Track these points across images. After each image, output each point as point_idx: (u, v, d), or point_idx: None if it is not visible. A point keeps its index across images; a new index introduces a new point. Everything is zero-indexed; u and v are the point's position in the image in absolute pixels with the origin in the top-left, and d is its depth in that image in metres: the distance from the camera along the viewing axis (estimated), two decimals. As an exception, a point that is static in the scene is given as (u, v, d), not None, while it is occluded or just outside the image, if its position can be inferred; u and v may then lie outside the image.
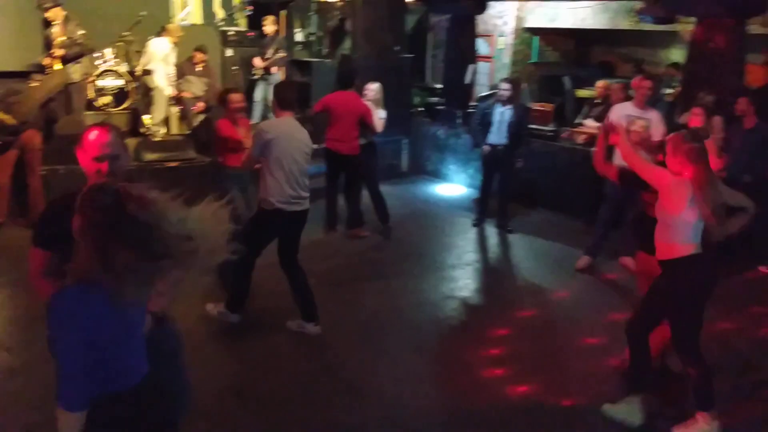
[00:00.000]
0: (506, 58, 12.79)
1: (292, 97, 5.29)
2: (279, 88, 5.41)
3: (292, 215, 5.09)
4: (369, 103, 7.40)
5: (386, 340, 5.19)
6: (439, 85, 11.66)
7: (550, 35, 12.95)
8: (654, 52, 12.15)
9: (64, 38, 8.37)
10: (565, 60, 13.35)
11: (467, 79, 10.14)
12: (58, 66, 8.30)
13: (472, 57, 10.35)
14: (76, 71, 8.29)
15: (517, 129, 7.60)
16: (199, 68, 9.40)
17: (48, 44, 8.31)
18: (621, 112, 6.43)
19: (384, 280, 6.40)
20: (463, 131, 9.72)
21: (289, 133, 5.05)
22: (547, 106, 9.91)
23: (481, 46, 12.59)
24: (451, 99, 10.40)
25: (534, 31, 12.80)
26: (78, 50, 8.47)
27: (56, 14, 8.35)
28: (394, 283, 6.33)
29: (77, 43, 8.50)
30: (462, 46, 10.13)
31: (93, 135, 2.88)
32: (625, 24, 11.20)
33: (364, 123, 7.24)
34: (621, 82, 8.63)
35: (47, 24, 8.33)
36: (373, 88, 7.57)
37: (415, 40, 12.59)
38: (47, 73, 8.24)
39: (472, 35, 10.40)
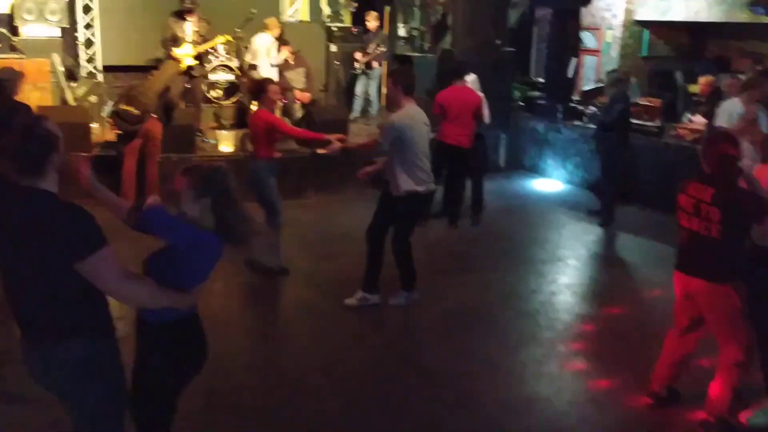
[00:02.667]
0: (614, 52, 12.39)
1: (413, 82, 5.48)
2: (401, 74, 5.58)
3: (426, 195, 5.46)
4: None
5: (468, 331, 5.26)
6: (541, 80, 11.51)
7: (661, 28, 12.43)
8: (775, 46, 11.44)
9: (201, 32, 8.97)
10: (677, 54, 12.78)
11: (569, 73, 9.96)
12: (188, 59, 8.86)
13: (575, 50, 10.15)
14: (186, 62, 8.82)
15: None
16: (290, 60, 9.71)
17: (175, 38, 8.85)
18: (732, 110, 6.18)
19: (472, 273, 6.45)
20: (564, 126, 9.58)
21: (418, 120, 5.33)
22: (654, 102, 9.58)
23: (589, 40, 12.30)
24: (552, 93, 10.24)
25: (644, 24, 12.33)
26: (207, 45, 9.06)
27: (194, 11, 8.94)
28: (483, 276, 6.37)
29: (206, 38, 9.08)
30: (564, 39, 9.96)
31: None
32: (741, 17, 10.61)
33: (477, 115, 7.34)
34: (734, 77, 8.24)
35: (181, 18, 8.88)
36: (469, 80, 7.61)
37: (520, 34, 12.47)
38: (161, 66, 8.82)
39: (576, 28, 10.20)
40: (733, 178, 3.78)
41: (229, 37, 9.47)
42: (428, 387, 4.44)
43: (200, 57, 9.09)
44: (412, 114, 5.30)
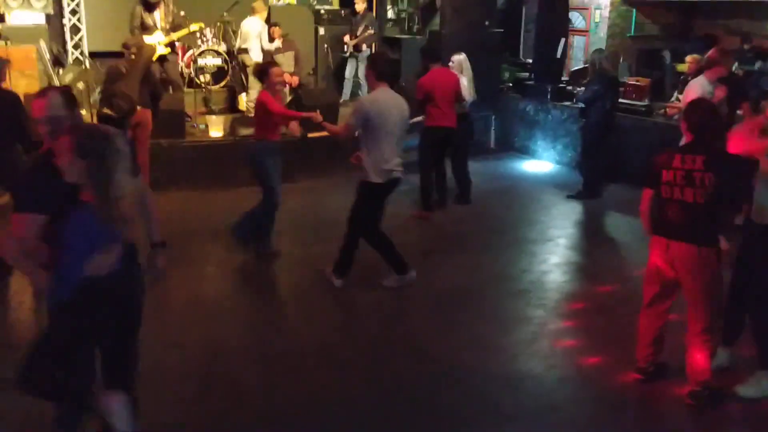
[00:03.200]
0: (602, 32, 12.44)
1: (387, 68, 5.56)
2: (375, 60, 5.64)
3: (392, 183, 5.45)
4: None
5: (460, 311, 5.32)
6: (530, 60, 11.52)
7: (649, 7, 12.45)
8: (762, 25, 11.47)
9: (170, 20, 8.90)
10: (665, 33, 12.80)
11: (558, 54, 9.98)
12: (159, 47, 8.81)
13: (564, 31, 10.16)
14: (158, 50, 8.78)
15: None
16: (278, 44, 9.70)
17: (145, 26, 8.80)
18: (702, 86, 6.34)
19: (463, 254, 6.51)
20: (553, 107, 9.62)
21: (388, 104, 5.30)
22: (643, 81, 9.61)
23: (577, 20, 12.32)
24: (541, 74, 10.26)
25: (632, 3, 12.35)
26: (181, 32, 8.99)
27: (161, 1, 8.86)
28: (473, 257, 6.42)
29: (178, 24, 9.02)
30: (553, 19, 9.96)
31: (35, 102, 3.15)
32: (729, -6, 10.65)
33: (457, 95, 7.39)
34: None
35: (149, 7, 8.81)
36: (456, 59, 7.68)
37: (509, 15, 12.47)
38: (134, 53, 8.76)
39: (565, 8, 10.20)
40: (721, 142, 3.88)
41: (202, 24, 9.42)
42: (421, 366, 4.50)
43: (172, 45, 9.01)
44: (382, 98, 5.30)
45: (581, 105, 8.24)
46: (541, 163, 9.82)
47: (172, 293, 5.51)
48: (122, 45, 7.89)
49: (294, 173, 8.58)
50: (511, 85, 11.03)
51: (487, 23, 10.10)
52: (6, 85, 6.30)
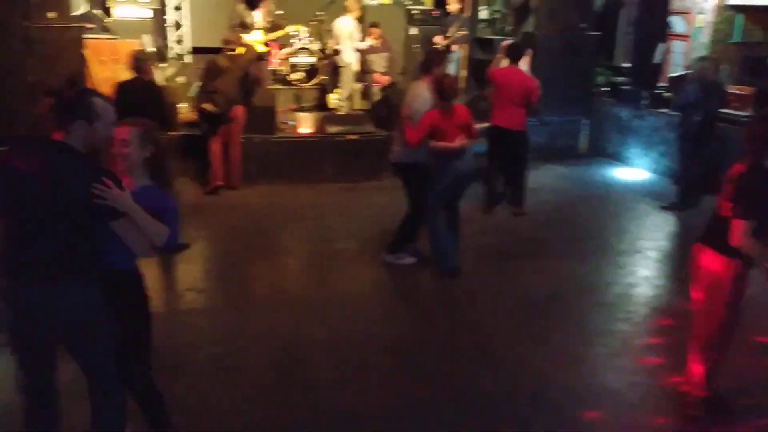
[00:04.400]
0: (705, 38, 11.87)
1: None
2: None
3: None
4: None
5: (540, 319, 5.21)
6: (627, 65, 11.16)
7: (757, 13, 11.79)
8: None
9: (269, 19, 9.17)
10: (773, 40, 12.12)
11: (656, 59, 9.62)
12: (258, 45, 9.07)
13: (663, 35, 9.78)
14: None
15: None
16: (376, 44, 9.77)
17: (244, 25, 9.06)
18: None
19: (547, 260, 6.37)
20: (649, 113, 9.30)
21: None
22: (746, 90, 9.14)
23: (678, 24, 11.82)
24: (638, 79, 9.92)
25: (738, 8, 11.73)
26: (279, 32, 9.26)
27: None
28: (557, 264, 6.28)
29: (277, 24, 9.27)
30: (653, 23, 9.61)
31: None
32: None
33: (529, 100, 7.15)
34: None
35: (251, 5, 9.08)
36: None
37: (605, 18, 12.11)
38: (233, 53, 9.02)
39: (665, 12, 9.82)
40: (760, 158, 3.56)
41: (300, 27, 9.61)
42: (497, 372, 4.44)
43: (267, 43, 9.26)
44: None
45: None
46: (633, 170, 9.50)
47: (257, 284, 5.67)
48: (223, 41, 8.14)
49: (380, 171, 8.65)
50: (605, 89, 10.71)
51: (582, 26, 9.85)
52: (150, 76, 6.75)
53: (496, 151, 7.44)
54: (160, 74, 9.31)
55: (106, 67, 8.66)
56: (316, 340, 4.80)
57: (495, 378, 4.37)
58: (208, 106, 7.65)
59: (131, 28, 9.53)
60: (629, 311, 5.39)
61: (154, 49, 9.46)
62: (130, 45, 9.14)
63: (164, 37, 10.57)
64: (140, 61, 6.60)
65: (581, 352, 4.75)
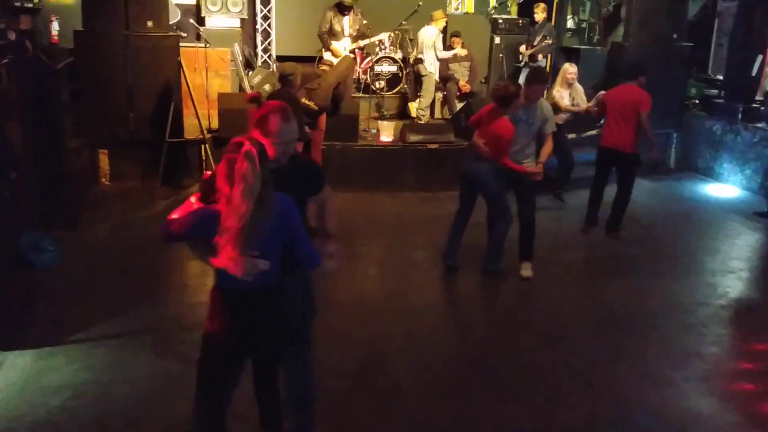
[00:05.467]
0: (807, 48, 11.28)
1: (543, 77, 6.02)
2: (538, 72, 6.04)
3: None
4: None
5: (626, 337, 5.05)
6: (720, 77, 10.72)
7: None
8: None
9: (356, 27, 9.30)
10: None
11: (754, 71, 9.20)
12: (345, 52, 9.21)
13: (761, 47, 9.34)
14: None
15: None
16: (461, 53, 9.75)
17: (333, 32, 9.21)
18: None
19: (634, 277, 6.18)
20: (744, 127, 8.90)
21: None
22: None
23: (778, 35, 11.28)
24: (732, 92, 9.52)
25: None
26: (367, 40, 9.37)
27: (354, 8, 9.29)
28: (646, 283, 6.08)
29: (363, 33, 9.39)
30: (750, 34, 9.20)
31: (275, 120, 3.05)
32: None
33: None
34: None
35: (342, 11, 9.23)
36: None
37: (700, 28, 11.68)
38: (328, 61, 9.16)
39: (764, 22, 9.38)
40: None
41: (390, 35, 9.69)
42: (581, 390, 4.33)
43: (353, 51, 9.37)
44: None
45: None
46: (725, 187, 9.11)
47: (338, 290, 5.72)
48: (278, 72, 8.02)
49: (458, 181, 8.59)
50: (697, 101, 10.32)
51: (675, 36, 9.53)
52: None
53: (599, 168, 7.16)
54: (248, 81, 9.59)
55: (199, 74, 8.98)
56: (394, 348, 4.79)
57: (581, 397, 4.26)
58: (307, 102, 7.76)
59: (223, 37, 9.84)
60: (720, 333, 5.16)
61: (242, 58, 9.72)
62: (220, 53, 9.47)
63: (253, 46, 10.88)
64: (286, 76, 6.80)
65: (670, 374, 4.57)
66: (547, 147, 5.93)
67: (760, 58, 9.27)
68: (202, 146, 8.11)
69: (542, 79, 6.03)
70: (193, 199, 2.99)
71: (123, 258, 6.13)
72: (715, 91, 10.35)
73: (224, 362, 3.02)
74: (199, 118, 7.86)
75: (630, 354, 4.81)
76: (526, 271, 5.93)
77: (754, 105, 9.18)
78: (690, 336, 5.11)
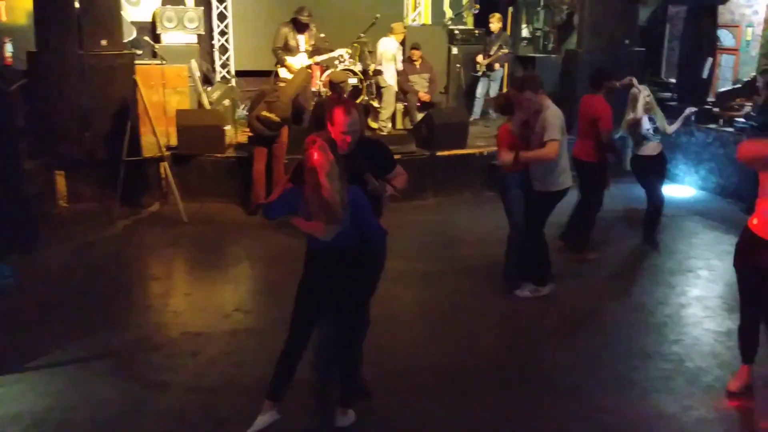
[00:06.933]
0: (754, 51, 11.64)
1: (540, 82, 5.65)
2: (531, 80, 5.55)
3: (566, 191, 5.70)
4: None
5: (590, 339, 5.13)
6: (673, 80, 10.99)
7: (809, 24, 11.54)
8: None
9: (312, 42, 9.32)
10: (828, 51, 11.81)
11: (704, 74, 9.45)
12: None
13: (711, 50, 9.61)
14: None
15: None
16: (417, 65, 9.85)
17: (288, 47, 9.21)
18: None
19: (593, 279, 6.28)
20: (697, 129, 9.12)
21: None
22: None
23: (726, 38, 11.62)
24: (684, 94, 9.75)
25: (790, 19, 11.49)
26: (325, 55, 9.39)
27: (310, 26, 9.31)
28: (607, 284, 6.19)
29: (320, 48, 9.41)
30: (700, 37, 9.46)
31: (340, 114, 3.70)
32: None
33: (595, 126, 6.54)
34: None
35: (299, 28, 9.23)
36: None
37: (651, 33, 11.98)
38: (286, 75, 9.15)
39: (713, 26, 9.66)
40: None
41: (349, 50, 9.72)
42: (547, 394, 4.38)
43: (312, 66, 9.38)
44: (557, 109, 5.46)
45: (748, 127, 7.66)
46: (681, 188, 9.31)
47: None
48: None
49: (424, 190, 8.67)
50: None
51: (627, 41, 9.74)
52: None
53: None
54: (207, 97, 9.53)
55: (155, 92, 8.89)
56: (366, 361, 4.77)
57: (547, 400, 4.30)
58: (269, 114, 7.74)
59: (180, 53, 9.77)
60: (681, 332, 5.26)
61: (200, 74, 9.67)
62: (177, 69, 9.40)
63: (210, 61, 10.83)
64: (335, 84, 7.77)
65: (633, 375, 4.64)
66: (541, 152, 5.40)
67: (709, 60, 9.54)
68: (161, 164, 8.03)
69: (534, 85, 5.48)
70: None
71: (83, 281, 6.02)
72: (668, 94, 10.59)
73: (311, 306, 3.81)
74: (157, 135, 7.79)
75: (594, 356, 4.88)
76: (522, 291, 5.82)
77: (706, 106, 9.41)
78: (651, 336, 5.20)
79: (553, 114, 5.38)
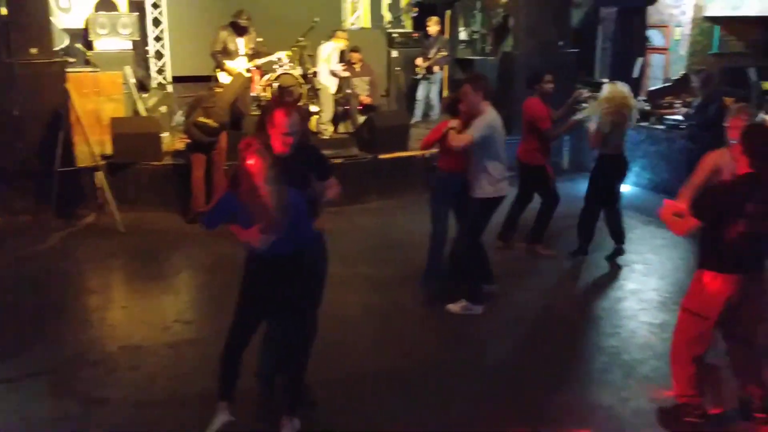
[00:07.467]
0: (683, 50, 12.06)
1: (490, 86, 5.63)
2: (477, 81, 5.44)
3: (501, 198, 5.59)
4: None
5: (530, 336, 5.26)
6: (605, 80, 11.27)
7: (733, 24, 11.99)
8: None
9: (251, 46, 9.25)
10: (751, 50, 12.30)
11: (635, 73, 9.75)
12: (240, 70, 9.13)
13: (641, 49, 9.92)
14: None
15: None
16: (357, 68, 9.87)
17: (227, 51, 9.12)
18: None
19: (534, 277, 6.41)
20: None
21: (499, 122, 5.45)
22: (728, 101, 9.27)
23: (656, 38, 12.00)
24: (617, 94, 10.01)
25: (715, 20, 11.93)
26: (264, 59, 9.33)
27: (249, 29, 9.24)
28: (545, 280, 6.32)
29: (259, 51, 9.34)
30: (630, 38, 9.76)
31: (281, 116, 3.72)
32: (820, 8, 10.15)
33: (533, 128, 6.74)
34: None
35: (238, 32, 9.15)
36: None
37: (584, 34, 12.27)
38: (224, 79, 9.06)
39: (642, 27, 9.97)
40: None
41: (290, 53, 9.68)
42: (489, 391, 4.46)
43: (252, 70, 9.33)
44: (496, 116, 5.41)
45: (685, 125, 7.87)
46: (616, 184, 9.56)
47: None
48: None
49: (366, 194, 8.69)
50: (586, 105, 10.81)
51: (560, 43, 9.96)
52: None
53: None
54: (143, 104, 9.34)
55: (89, 100, 8.66)
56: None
57: (490, 397, 4.37)
58: (206, 120, 7.63)
59: (113, 60, 9.54)
60: (617, 325, 5.41)
61: (135, 80, 9.47)
62: (112, 77, 9.17)
63: (146, 68, 10.61)
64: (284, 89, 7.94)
65: (572, 369, 4.76)
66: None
67: (640, 60, 9.84)
68: (96, 174, 7.83)
69: (476, 84, 5.38)
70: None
71: (17, 296, 5.84)
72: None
73: (251, 314, 3.82)
74: (91, 144, 7.59)
75: (534, 351, 4.99)
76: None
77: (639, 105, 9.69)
78: (589, 330, 5.35)
79: (485, 120, 5.29)
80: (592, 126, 6.65)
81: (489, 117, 5.33)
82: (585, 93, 6.74)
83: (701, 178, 4.46)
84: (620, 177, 6.93)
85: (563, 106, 7.01)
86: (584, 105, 7.02)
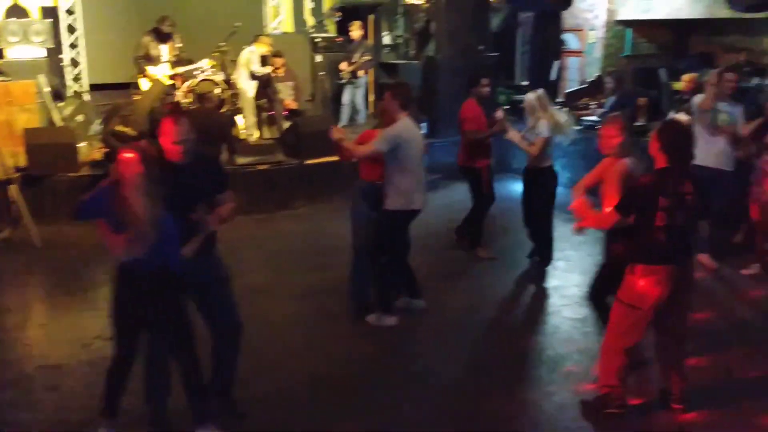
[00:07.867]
0: (598, 53, 12.51)
1: (410, 97, 5.46)
2: (399, 90, 5.38)
3: (416, 212, 5.43)
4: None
5: (456, 338, 5.32)
6: (525, 83, 11.58)
7: (644, 27, 12.55)
8: (759, 41, 11.53)
9: (175, 53, 9.08)
10: (660, 52, 12.89)
11: (553, 75, 10.05)
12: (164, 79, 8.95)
13: (558, 53, 10.23)
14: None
15: None
16: (280, 73, 9.82)
17: (150, 58, 8.93)
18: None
19: (457, 279, 6.51)
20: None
21: (414, 133, 5.34)
22: (641, 101, 9.66)
23: (571, 41, 12.40)
24: (536, 96, 10.30)
25: (627, 23, 12.45)
26: (188, 66, 9.18)
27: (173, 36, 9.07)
28: (468, 282, 6.44)
29: (182, 58, 9.18)
30: (547, 42, 10.05)
31: (169, 124, 3.76)
32: (723, 12, 10.70)
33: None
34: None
35: (161, 38, 8.96)
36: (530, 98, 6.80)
37: (503, 39, 12.56)
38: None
39: (557, 31, 10.29)
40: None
41: (214, 62, 9.55)
42: (420, 392, 4.50)
43: (174, 77, 9.17)
44: (410, 127, 5.28)
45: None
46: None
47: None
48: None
49: (293, 200, 8.65)
50: (507, 107, 11.06)
51: (481, 47, 10.17)
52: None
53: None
54: (57, 114, 9.02)
55: (1, 110, 8.30)
56: (249, 365, 4.69)
57: (422, 399, 4.41)
58: (124, 129, 7.44)
59: (25, 69, 9.18)
60: (541, 321, 5.56)
61: (49, 89, 9.13)
62: (24, 86, 8.82)
63: (61, 76, 10.26)
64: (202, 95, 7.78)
65: (499, 366, 4.86)
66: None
67: (557, 63, 10.14)
68: (10, 187, 7.50)
69: (396, 92, 5.33)
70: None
71: None
72: (522, 97, 11.13)
73: (124, 323, 3.77)
74: (4, 156, 7.28)
75: (461, 352, 5.07)
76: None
77: (556, 107, 9.97)
78: (513, 327, 5.47)
79: (393, 130, 5.17)
80: (539, 139, 6.73)
81: (399, 128, 5.17)
82: (501, 114, 6.90)
83: (591, 180, 4.78)
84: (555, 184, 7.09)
85: (489, 131, 7.09)
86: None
